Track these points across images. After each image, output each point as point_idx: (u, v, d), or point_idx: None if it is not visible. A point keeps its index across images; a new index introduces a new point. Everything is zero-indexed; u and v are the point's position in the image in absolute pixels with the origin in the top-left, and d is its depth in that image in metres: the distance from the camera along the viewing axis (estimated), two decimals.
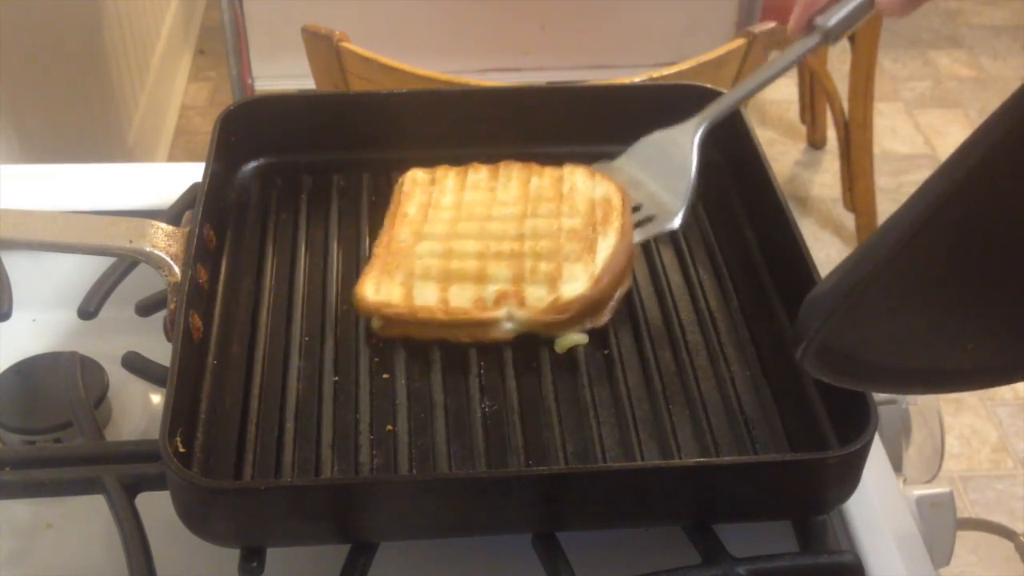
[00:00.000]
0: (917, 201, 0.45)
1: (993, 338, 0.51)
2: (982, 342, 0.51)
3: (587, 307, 0.77)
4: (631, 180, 0.86)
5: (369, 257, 0.82)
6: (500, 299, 0.77)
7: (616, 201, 0.84)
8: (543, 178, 0.87)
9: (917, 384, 0.58)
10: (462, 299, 0.77)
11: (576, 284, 0.77)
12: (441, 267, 0.79)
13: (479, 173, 0.89)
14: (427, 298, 0.77)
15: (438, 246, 0.81)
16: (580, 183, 0.86)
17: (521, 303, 0.77)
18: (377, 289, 0.78)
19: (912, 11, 0.74)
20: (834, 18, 0.77)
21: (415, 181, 0.88)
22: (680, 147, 0.84)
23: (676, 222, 0.82)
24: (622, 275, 0.80)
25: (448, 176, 0.89)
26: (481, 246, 0.81)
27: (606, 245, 0.80)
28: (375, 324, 0.78)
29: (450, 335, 0.77)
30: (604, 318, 0.78)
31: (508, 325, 0.77)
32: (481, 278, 0.78)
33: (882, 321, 0.50)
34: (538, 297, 0.77)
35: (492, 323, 0.76)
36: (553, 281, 0.78)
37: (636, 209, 0.84)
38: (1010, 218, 0.45)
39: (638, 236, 0.82)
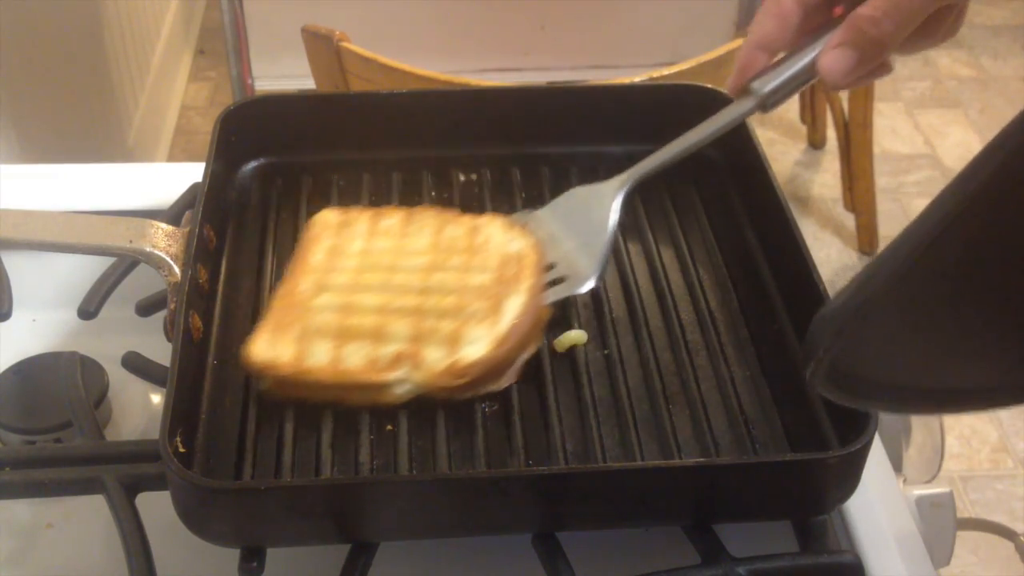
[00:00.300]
0: (928, 216, 0.44)
1: (1009, 356, 0.50)
2: (997, 360, 0.50)
3: (487, 371, 0.72)
4: (550, 235, 0.82)
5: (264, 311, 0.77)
6: (396, 360, 0.72)
7: (530, 259, 0.79)
8: (458, 228, 0.82)
9: (929, 404, 0.57)
10: (355, 359, 0.72)
11: (477, 346, 0.72)
12: (338, 323, 0.74)
13: (392, 218, 0.84)
14: (318, 358, 0.72)
15: (337, 299, 0.76)
16: (496, 236, 0.81)
17: (417, 365, 0.71)
18: (269, 347, 0.73)
19: (854, 84, 0.73)
20: (769, 85, 0.72)
21: (325, 224, 0.83)
22: (602, 206, 0.80)
23: (586, 287, 0.78)
24: (528, 338, 0.75)
25: (360, 220, 0.84)
26: (383, 300, 0.76)
27: (513, 306, 0.75)
28: (263, 386, 0.73)
29: (342, 397, 0.72)
30: (505, 382, 0.73)
31: (403, 388, 0.72)
32: (378, 336, 0.73)
33: (894, 340, 0.50)
34: (436, 359, 0.72)
35: (385, 386, 0.72)
36: (453, 342, 0.72)
37: (550, 267, 0.80)
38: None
39: (547, 298, 0.78)
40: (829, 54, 0.68)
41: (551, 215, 0.84)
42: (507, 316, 0.74)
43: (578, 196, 0.83)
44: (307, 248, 0.81)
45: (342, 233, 0.83)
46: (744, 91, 0.74)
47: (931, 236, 0.44)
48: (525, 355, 0.75)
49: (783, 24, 0.71)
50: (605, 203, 0.80)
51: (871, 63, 0.69)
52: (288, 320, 0.75)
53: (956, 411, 0.55)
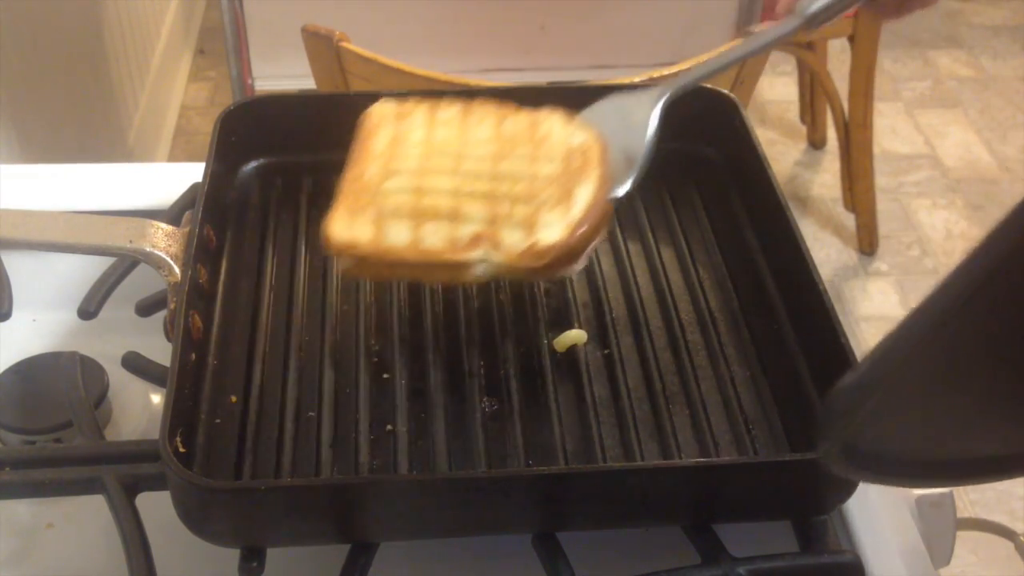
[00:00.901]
0: (949, 286, 0.42)
1: None
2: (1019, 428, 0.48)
3: (563, 256, 0.73)
4: None
5: (337, 193, 0.78)
6: (475, 241, 0.73)
7: (594, 151, 0.79)
8: (518, 120, 0.83)
9: (951, 476, 0.54)
10: (435, 239, 0.73)
11: (553, 231, 0.73)
12: (413, 204, 0.75)
13: (450, 110, 0.84)
14: (398, 238, 0.73)
15: (408, 182, 0.77)
16: (556, 129, 0.82)
17: (496, 246, 0.73)
18: (346, 227, 0.74)
19: (905, 15, 0.73)
20: (815, 5, 0.75)
21: (383, 115, 0.83)
22: (642, 112, 0.81)
23: (622, 189, 0.78)
24: (599, 226, 0.76)
25: (418, 111, 0.84)
26: (454, 184, 0.77)
27: (583, 194, 0.75)
28: (343, 265, 0.75)
29: (421, 276, 0.75)
30: (578, 267, 0.75)
31: (481, 268, 0.73)
32: (455, 217, 0.74)
33: (911, 413, 0.48)
34: (514, 241, 0.73)
35: (465, 266, 0.73)
36: (530, 226, 0.74)
37: None
38: None
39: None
40: None
41: (591, 118, 0.83)
42: (579, 203, 0.75)
43: (617, 102, 0.84)
44: (368, 137, 0.82)
45: (401, 124, 0.83)
46: (791, 11, 0.75)
47: (955, 306, 0.42)
48: (596, 242, 0.76)
49: None
50: (644, 110, 0.81)
51: None
52: (362, 203, 0.76)
53: (979, 480, 0.53)
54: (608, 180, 0.77)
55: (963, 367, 0.45)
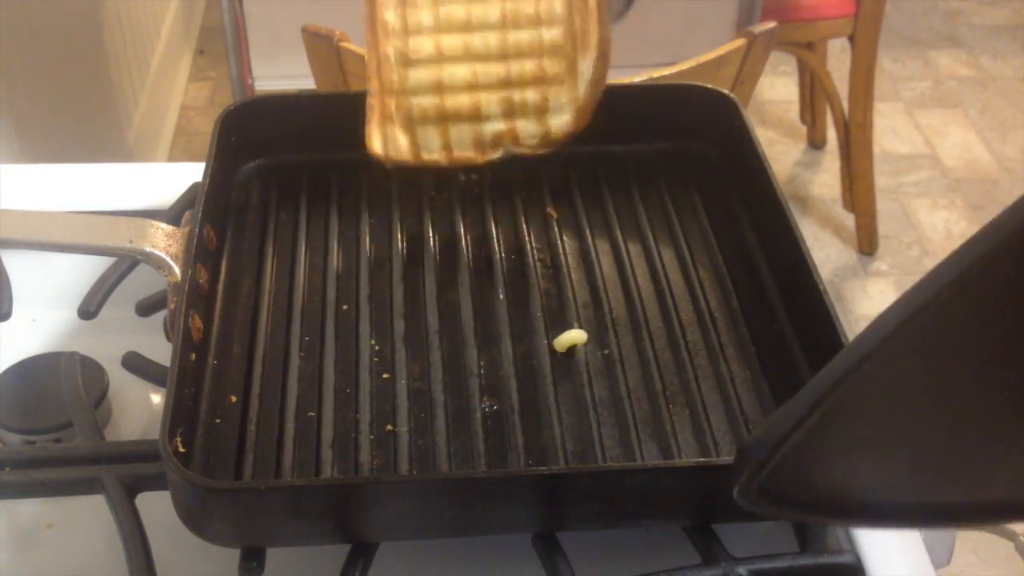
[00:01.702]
0: (928, 280, 0.38)
1: (996, 469, 0.44)
2: (988, 472, 0.44)
3: (574, 136, 0.83)
4: None
5: (366, 98, 0.84)
6: (497, 140, 0.83)
7: (592, 2, 0.83)
8: None
9: (913, 519, 0.51)
10: (463, 146, 0.83)
11: (562, 117, 0.83)
12: (436, 107, 0.83)
13: None
14: (431, 147, 0.83)
15: (428, 75, 0.83)
16: None
17: (516, 141, 0.83)
18: (384, 141, 0.83)
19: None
20: None
21: None
22: None
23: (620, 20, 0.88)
24: (600, 83, 0.83)
25: None
26: (469, 74, 0.83)
27: (586, 67, 0.82)
28: (388, 166, 0.84)
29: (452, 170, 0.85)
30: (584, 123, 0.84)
31: (499, 155, 0.84)
32: (477, 117, 0.83)
33: (855, 453, 0.44)
34: (530, 134, 0.83)
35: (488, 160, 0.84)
36: (541, 114, 0.83)
37: None
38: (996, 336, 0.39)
39: None
40: None
41: None
42: (583, 79, 0.83)
43: None
44: (376, 8, 0.84)
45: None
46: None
47: (941, 294, 0.38)
48: (598, 96, 0.84)
49: None
50: None
51: None
52: (391, 109, 0.83)
53: (947, 526, 0.48)
54: (608, 40, 0.83)
55: (942, 374, 0.41)
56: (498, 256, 0.86)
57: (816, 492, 0.46)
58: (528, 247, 0.87)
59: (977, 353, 0.40)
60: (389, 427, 0.72)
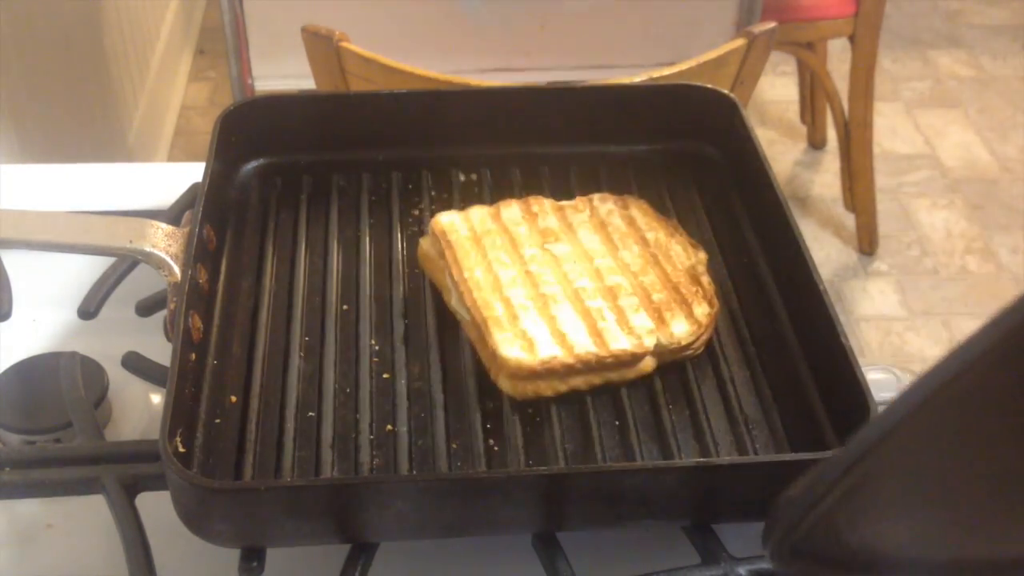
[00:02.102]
0: (918, 386, 0.38)
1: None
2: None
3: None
4: None
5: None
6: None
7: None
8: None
9: (944, 574, 0.50)
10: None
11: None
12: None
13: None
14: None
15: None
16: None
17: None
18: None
19: None
20: None
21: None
22: None
23: None
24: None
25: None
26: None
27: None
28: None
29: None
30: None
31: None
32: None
33: (888, 513, 0.45)
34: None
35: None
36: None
37: None
38: None
39: None
40: None
41: None
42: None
43: None
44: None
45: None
46: None
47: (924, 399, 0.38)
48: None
49: None
50: None
51: None
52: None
53: None
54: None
55: (977, 438, 0.41)
56: None
57: (849, 551, 0.46)
58: None
59: (1014, 418, 0.40)
60: (389, 427, 0.72)
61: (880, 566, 0.47)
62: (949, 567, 0.47)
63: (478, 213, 0.84)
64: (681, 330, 0.76)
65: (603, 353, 0.73)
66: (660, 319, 0.76)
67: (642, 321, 0.76)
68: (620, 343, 0.74)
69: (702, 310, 0.77)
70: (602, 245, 0.82)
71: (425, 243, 0.83)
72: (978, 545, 0.46)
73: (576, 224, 0.84)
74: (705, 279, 0.80)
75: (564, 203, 0.86)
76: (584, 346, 0.73)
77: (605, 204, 0.86)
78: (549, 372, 0.72)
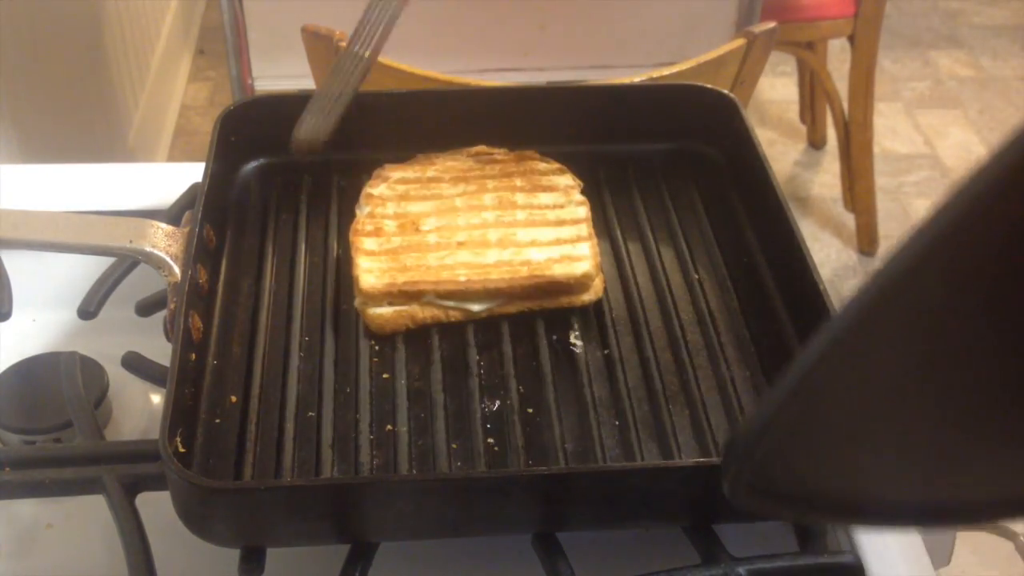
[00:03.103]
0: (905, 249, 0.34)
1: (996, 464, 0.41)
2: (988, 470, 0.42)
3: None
4: None
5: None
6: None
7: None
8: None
9: (909, 518, 0.47)
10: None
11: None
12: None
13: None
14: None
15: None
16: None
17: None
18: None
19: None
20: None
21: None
22: None
23: None
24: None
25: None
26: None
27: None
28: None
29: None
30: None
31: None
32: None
33: (842, 447, 0.42)
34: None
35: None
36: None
37: None
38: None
39: None
40: None
41: None
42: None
43: None
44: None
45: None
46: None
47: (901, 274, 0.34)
48: None
49: None
50: None
51: None
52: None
53: (948, 527, 0.45)
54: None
55: (922, 357, 0.38)
56: None
57: (808, 489, 0.44)
58: None
59: (955, 333, 0.37)
60: (389, 427, 0.72)
61: (840, 506, 0.44)
62: (910, 509, 0.44)
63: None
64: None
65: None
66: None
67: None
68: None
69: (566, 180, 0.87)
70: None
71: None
72: (938, 487, 0.43)
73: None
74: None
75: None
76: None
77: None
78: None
